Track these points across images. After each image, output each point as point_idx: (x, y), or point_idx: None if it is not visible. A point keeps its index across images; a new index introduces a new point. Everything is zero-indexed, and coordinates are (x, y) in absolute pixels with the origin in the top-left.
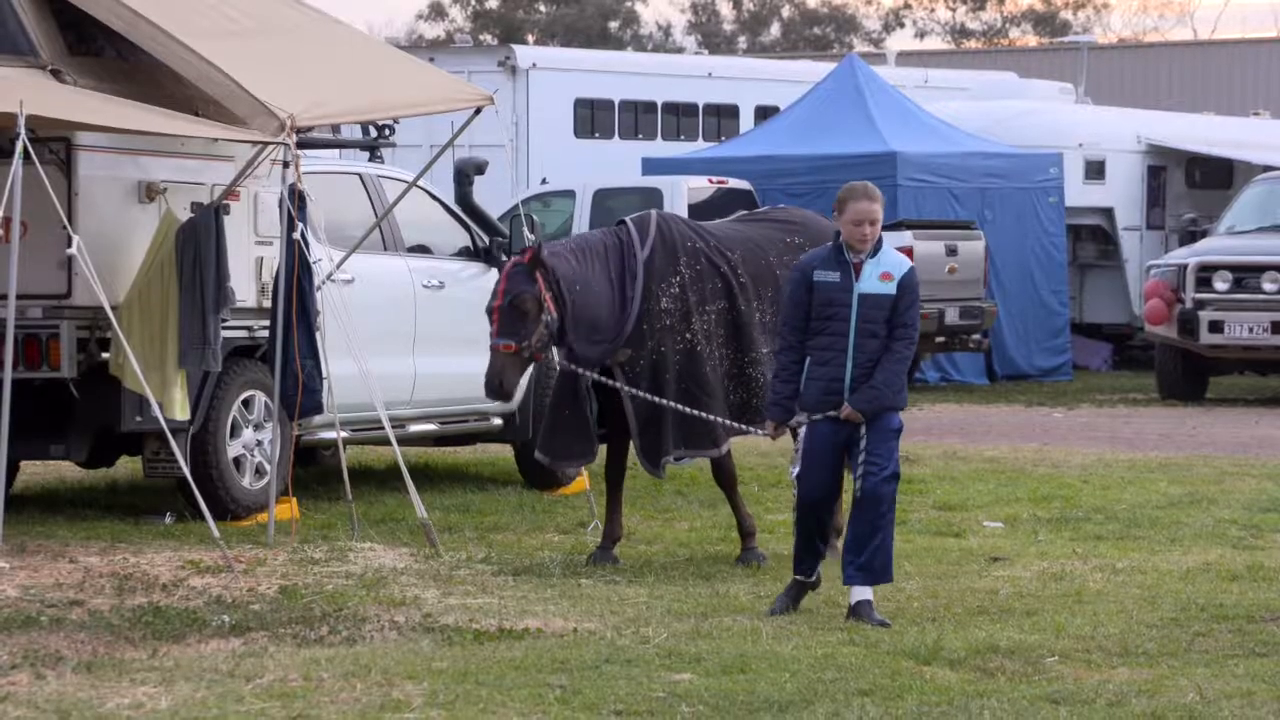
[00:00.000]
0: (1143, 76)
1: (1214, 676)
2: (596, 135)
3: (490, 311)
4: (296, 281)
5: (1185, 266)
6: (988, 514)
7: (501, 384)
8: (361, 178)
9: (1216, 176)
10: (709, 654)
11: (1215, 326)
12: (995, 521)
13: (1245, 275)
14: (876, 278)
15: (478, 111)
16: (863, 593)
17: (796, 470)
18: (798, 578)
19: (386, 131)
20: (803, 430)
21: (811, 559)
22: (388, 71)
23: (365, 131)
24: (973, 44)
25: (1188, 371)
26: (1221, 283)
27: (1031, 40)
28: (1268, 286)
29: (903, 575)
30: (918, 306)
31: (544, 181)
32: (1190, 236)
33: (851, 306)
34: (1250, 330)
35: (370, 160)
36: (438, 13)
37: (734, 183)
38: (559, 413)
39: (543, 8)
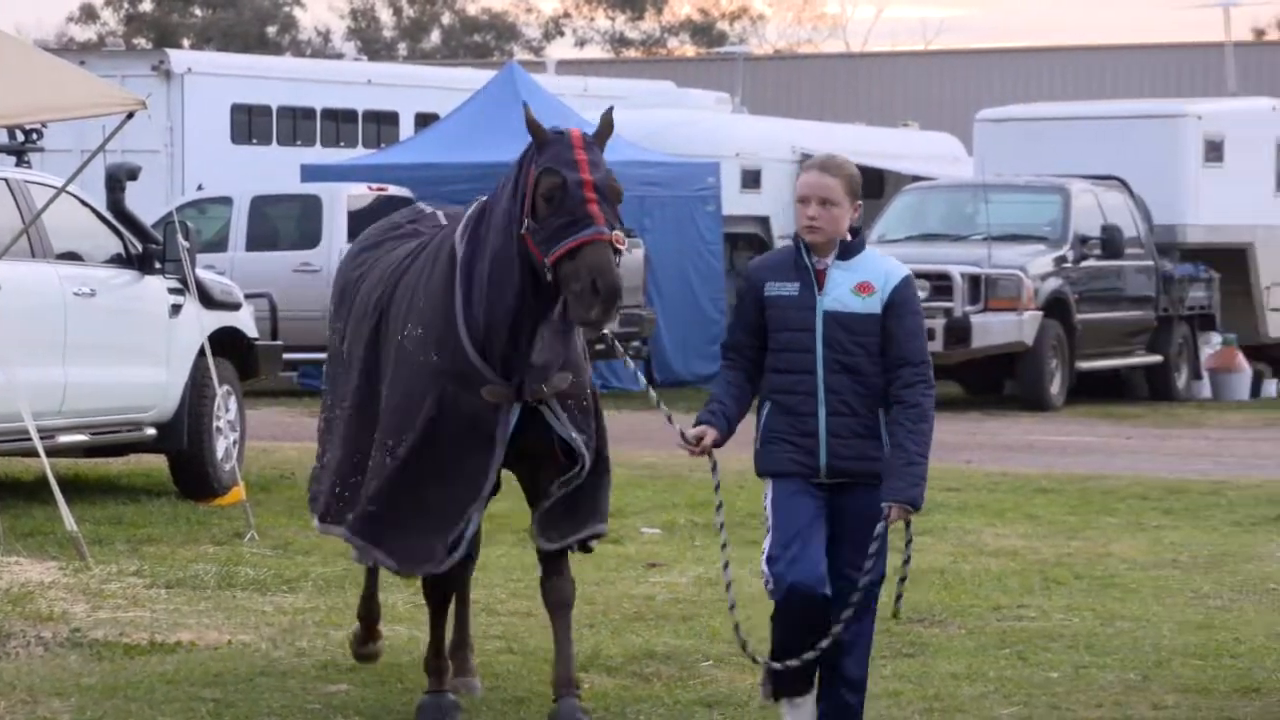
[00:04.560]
0: (798, 87)
1: None
2: (254, 141)
3: (576, 186)
4: None
5: None
6: (645, 520)
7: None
8: (8, 182)
9: (868, 186)
10: (366, 665)
11: None
12: (653, 528)
13: None
14: (849, 289)
15: (130, 116)
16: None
17: (769, 551)
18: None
19: (34, 136)
20: (769, 497)
21: (796, 684)
22: (36, 74)
23: (12, 135)
24: (632, 53)
25: None
26: None
27: (689, 50)
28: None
29: None
30: (922, 330)
31: (200, 188)
32: None
33: (815, 331)
34: None
35: (17, 165)
36: (89, 15)
37: (394, 190)
38: (415, 482)
39: (198, 11)
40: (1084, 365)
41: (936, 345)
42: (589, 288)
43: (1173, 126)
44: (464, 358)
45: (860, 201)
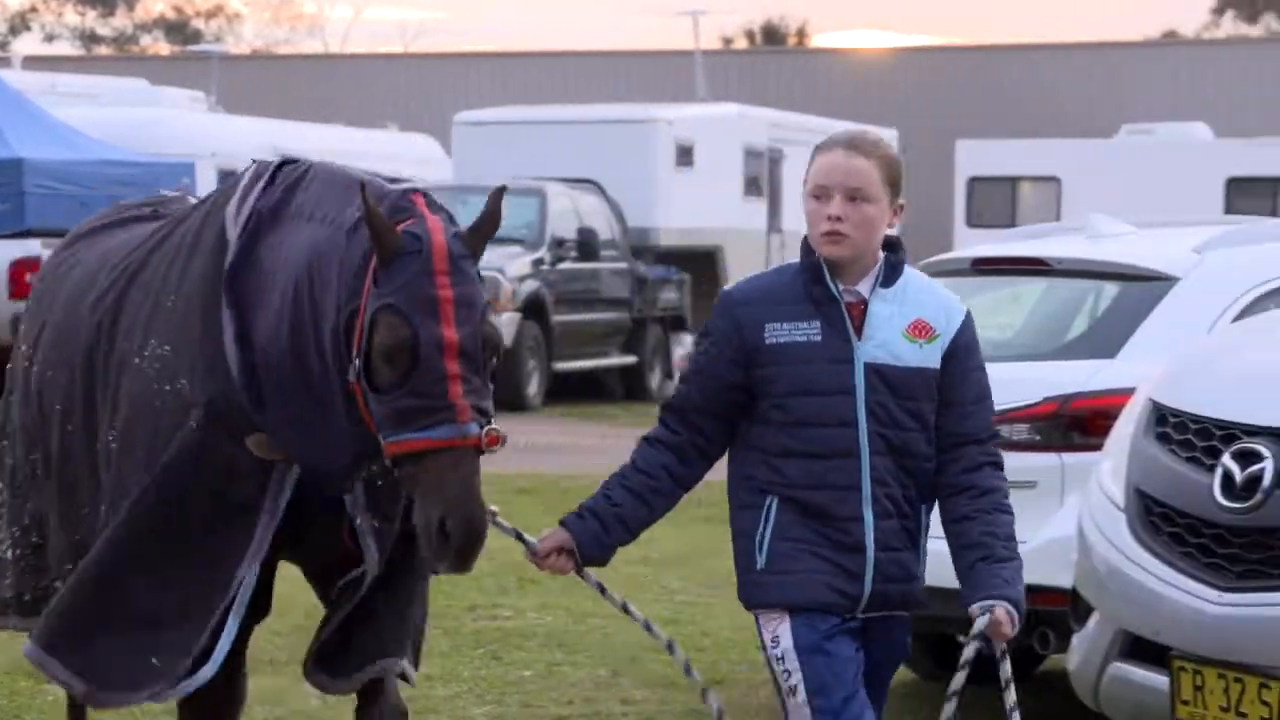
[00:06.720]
0: (276, 87)
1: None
2: None
3: (433, 352)
4: None
5: None
6: None
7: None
8: None
9: None
10: None
11: None
12: None
13: None
14: (900, 331)
15: None
16: None
17: None
18: None
19: None
20: (784, 643)
21: None
22: None
23: None
24: (104, 50)
25: None
26: None
27: (164, 48)
28: None
29: None
30: (989, 390)
31: None
32: None
33: (854, 394)
34: None
35: None
36: None
37: None
38: (134, 564)
39: None
40: (561, 366)
41: None
42: (435, 529)
43: (644, 131)
44: (229, 391)
45: (903, 201)
